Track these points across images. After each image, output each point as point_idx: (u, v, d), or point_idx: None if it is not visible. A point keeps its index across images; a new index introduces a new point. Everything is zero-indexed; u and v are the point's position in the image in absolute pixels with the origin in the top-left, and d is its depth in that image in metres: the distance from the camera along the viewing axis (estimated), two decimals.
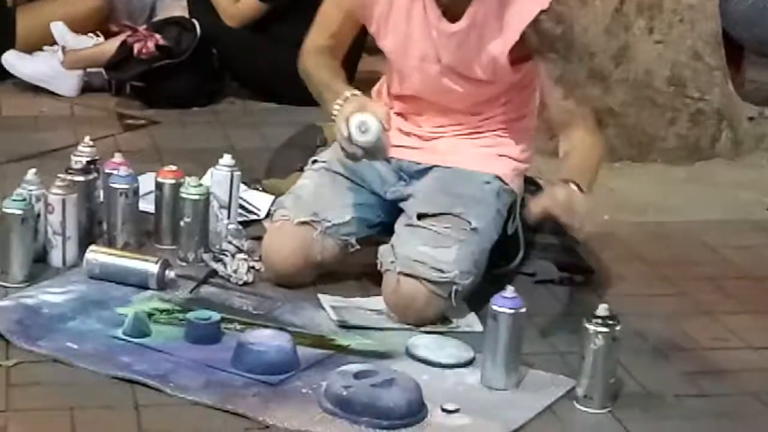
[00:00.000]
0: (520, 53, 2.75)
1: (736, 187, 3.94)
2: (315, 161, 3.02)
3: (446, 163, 2.90)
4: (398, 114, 2.94)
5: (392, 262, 2.72)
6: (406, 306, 2.71)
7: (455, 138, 2.92)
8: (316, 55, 2.90)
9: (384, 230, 2.90)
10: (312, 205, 2.89)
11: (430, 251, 2.71)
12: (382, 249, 2.77)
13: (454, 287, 2.71)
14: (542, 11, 2.67)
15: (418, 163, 2.93)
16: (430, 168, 2.92)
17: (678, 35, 4.22)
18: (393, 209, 2.91)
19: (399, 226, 2.82)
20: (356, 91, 2.73)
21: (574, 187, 2.52)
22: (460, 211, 2.79)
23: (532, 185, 3.17)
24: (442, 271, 2.70)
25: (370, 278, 2.89)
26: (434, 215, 2.79)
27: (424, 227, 2.77)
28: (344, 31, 2.92)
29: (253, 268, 2.95)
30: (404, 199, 2.87)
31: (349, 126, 2.63)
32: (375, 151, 2.68)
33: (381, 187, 2.94)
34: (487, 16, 2.71)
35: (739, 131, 4.31)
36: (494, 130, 2.91)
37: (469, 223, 2.77)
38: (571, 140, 2.75)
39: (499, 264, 2.94)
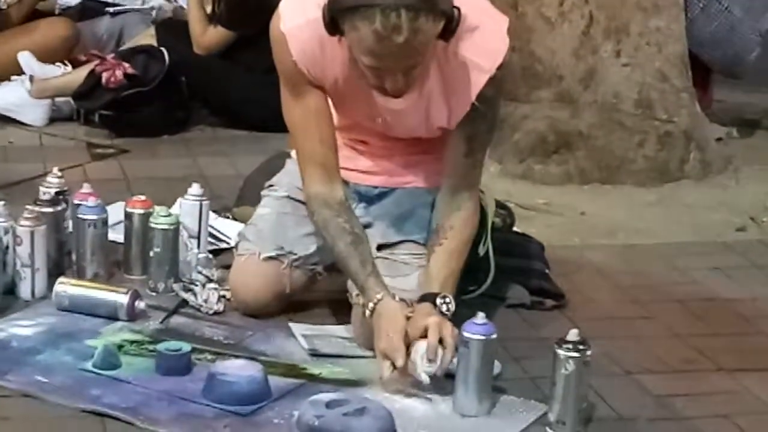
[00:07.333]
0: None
1: (705, 208, 3.96)
2: (271, 185, 2.99)
3: (402, 185, 2.85)
4: (347, 137, 2.88)
5: (357, 295, 2.71)
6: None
7: (408, 156, 2.86)
8: (323, 207, 2.69)
9: None
10: (276, 238, 2.87)
11: (390, 282, 2.68)
12: (350, 282, 2.76)
13: None
14: (490, 78, 2.57)
15: (375, 187, 2.89)
16: (388, 191, 2.87)
17: (645, 58, 4.25)
18: None
19: None
20: (384, 293, 2.59)
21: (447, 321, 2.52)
22: (416, 237, 2.78)
23: (502, 209, 3.17)
24: (403, 299, 2.69)
25: (341, 304, 2.87)
26: (392, 245, 2.78)
27: (384, 257, 2.75)
28: (324, 124, 2.70)
29: (223, 297, 2.94)
30: (366, 225, 2.82)
31: (414, 354, 2.51)
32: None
33: None
34: (432, 89, 2.63)
35: (708, 152, 4.33)
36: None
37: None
38: (453, 232, 2.68)
39: (467, 290, 2.93)
